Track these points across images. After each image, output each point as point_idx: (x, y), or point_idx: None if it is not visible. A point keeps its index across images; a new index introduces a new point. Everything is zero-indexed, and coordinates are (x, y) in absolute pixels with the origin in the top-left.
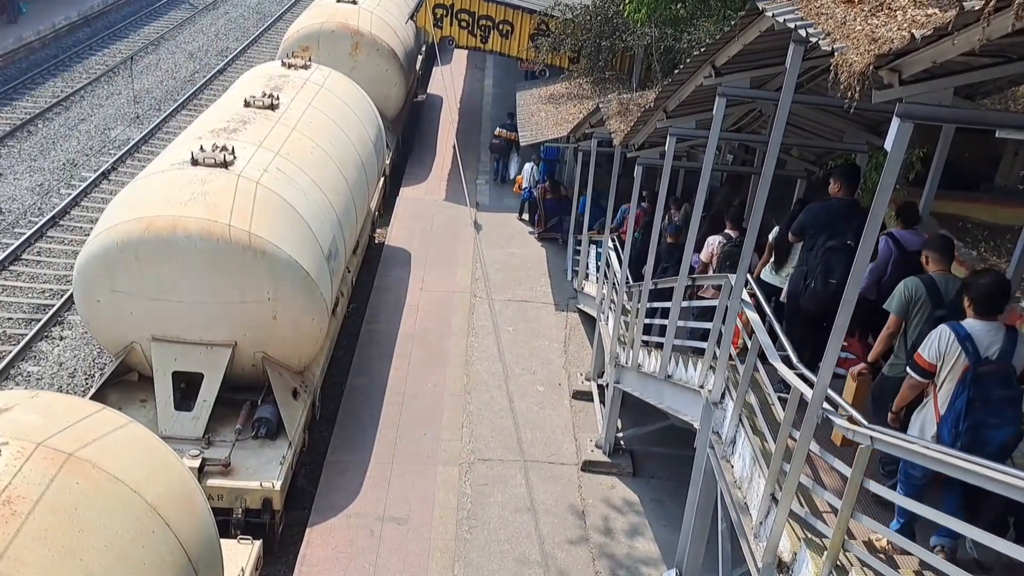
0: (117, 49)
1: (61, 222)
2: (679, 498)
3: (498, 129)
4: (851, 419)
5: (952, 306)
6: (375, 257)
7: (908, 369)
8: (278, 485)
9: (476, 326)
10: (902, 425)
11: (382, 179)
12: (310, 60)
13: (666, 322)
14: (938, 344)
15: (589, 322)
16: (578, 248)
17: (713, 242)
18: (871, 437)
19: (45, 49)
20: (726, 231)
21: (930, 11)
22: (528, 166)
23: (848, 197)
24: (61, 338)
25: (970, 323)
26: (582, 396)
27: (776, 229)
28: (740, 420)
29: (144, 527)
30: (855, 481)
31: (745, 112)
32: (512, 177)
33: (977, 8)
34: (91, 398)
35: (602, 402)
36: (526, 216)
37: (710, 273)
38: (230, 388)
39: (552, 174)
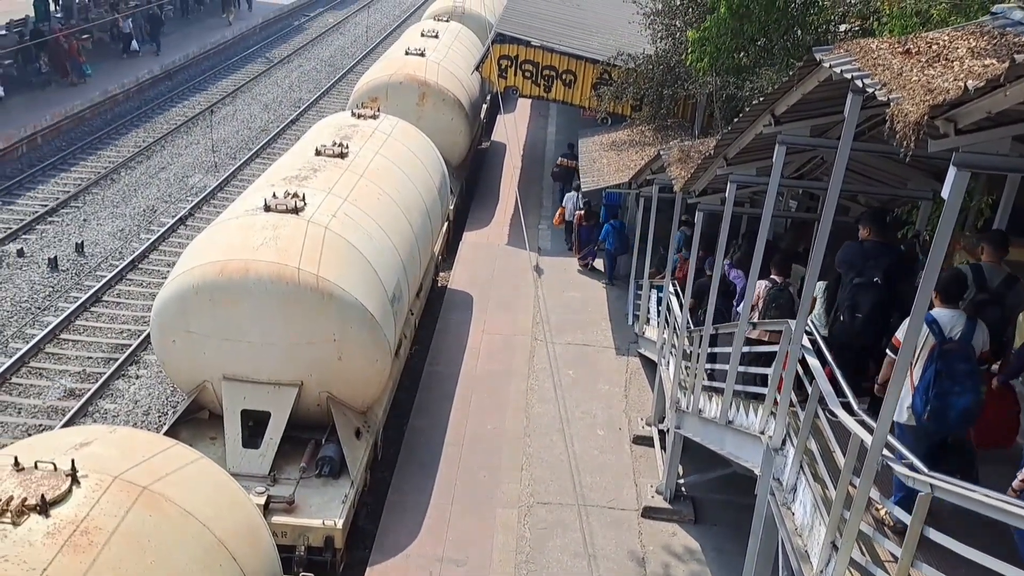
0: (196, 101)
1: (140, 265)
2: (741, 546)
3: (560, 159)
4: (912, 466)
5: (995, 293)
6: (438, 300)
7: (887, 350)
8: (340, 524)
9: (536, 369)
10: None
11: (446, 224)
12: (379, 110)
13: (725, 366)
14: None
15: (650, 366)
16: (639, 292)
17: (759, 286)
18: (931, 485)
19: (128, 101)
20: (772, 276)
21: (987, 62)
22: (569, 195)
23: (878, 239)
24: (137, 377)
25: (936, 311)
26: (642, 441)
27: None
28: (801, 466)
29: (212, 560)
30: (915, 529)
31: (807, 159)
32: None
33: None
34: (164, 434)
35: (663, 447)
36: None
37: (755, 317)
38: (295, 427)
39: (615, 215)
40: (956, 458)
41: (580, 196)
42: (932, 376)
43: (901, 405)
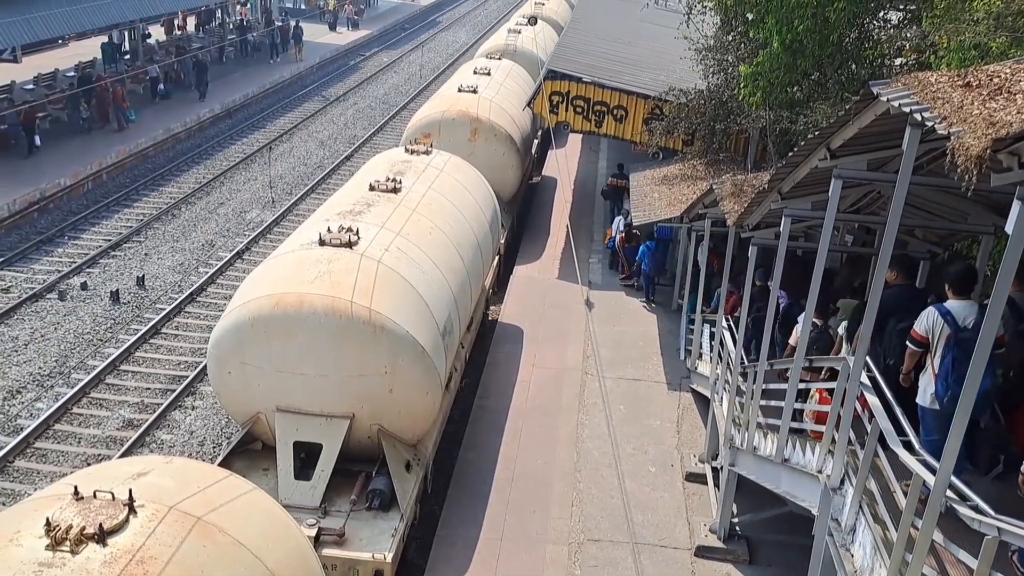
0: (255, 138)
1: (198, 298)
2: None
3: (610, 178)
4: (977, 508)
5: None
6: (488, 334)
7: (907, 342)
8: (390, 557)
9: (587, 404)
10: (913, 384)
11: (497, 258)
12: (431, 146)
13: (781, 403)
14: (927, 321)
15: (702, 402)
16: (691, 327)
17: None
18: (999, 528)
19: (191, 139)
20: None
21: None
22: (618, 219)
23: (907, 283)
24: (193, 408)
25: (950, 303)
26: (695, 478)
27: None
28: (860, 507)
29: None
30: (982, 573)
31: (864, 193)
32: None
33: None
34: (219, 465)
35: (716, 485)
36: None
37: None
38: (346, 459)
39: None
40: (991, 444)
41: (623, 219)
42: (951, 363)
43: (924, 392)
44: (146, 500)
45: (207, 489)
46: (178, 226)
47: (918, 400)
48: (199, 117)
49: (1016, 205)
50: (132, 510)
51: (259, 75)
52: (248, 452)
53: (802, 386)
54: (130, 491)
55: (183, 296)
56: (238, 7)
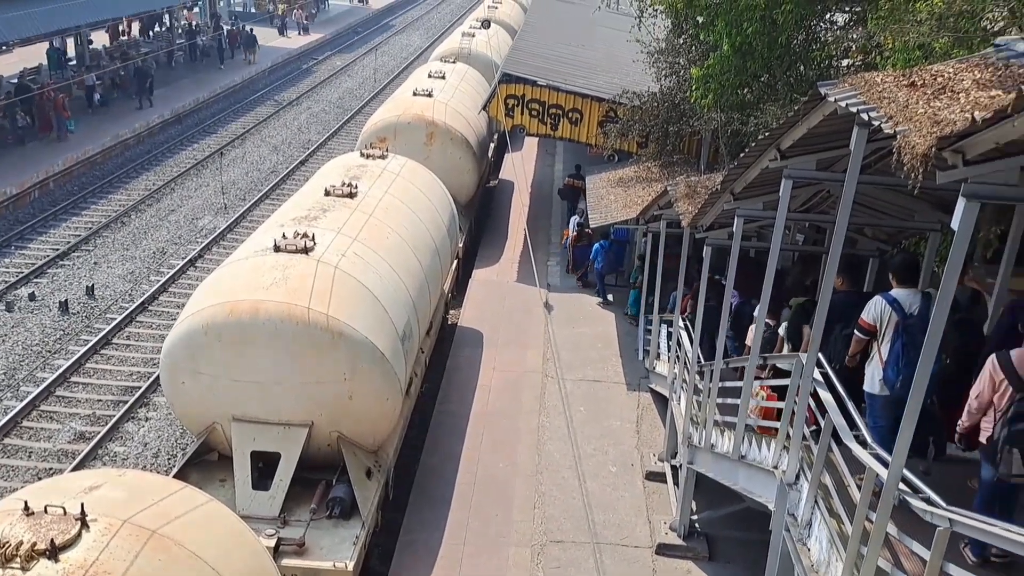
0: (206, 144)
1: (150, 308)
2: None
3: (567, 178)
4: (929, 500)
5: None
6: (448, 338)
7: (855, 330)
8: (351, 566)
9: (547, 406)
10: (856, 372)
11: (455, 262)
12: (387, 150)
13: (738, 401)
14: (875, 310)
15: (662, 402)
16: (649, 327)
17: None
18: (950, 519)
19: (140, 145)
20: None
21: (994, 93)
22: (573, 219)
23: (852, 289)
24: (146, 419)
25: (895, 291)
26: (655, 477)
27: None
28: (816, 502)
29: None
30: (934, 564)
31: (814, 192)
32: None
33: None
34: (174, 477)
35: (676, 483)
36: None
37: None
38: (306, 468)
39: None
40: (928, 425)
41: (578, 218)
42: (900, 349)
43: (872, 379)
44: (99, 514)
45: (162, 501)
46: (128, 234)
47: (865, 388)
48: (133, 130)
49: (961, 202)
50: (84, 524)
51: (209, 80)
52: (204, 463)
53: (756, 383)
54: (82, 505)
55: (134, 305)
56: (184, 11)
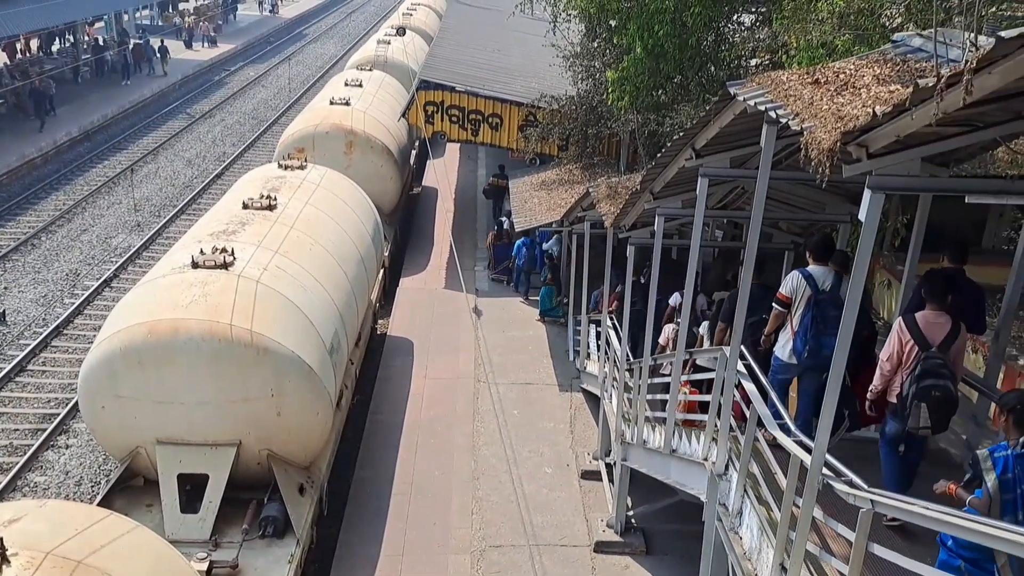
0: (117, 160)
1: (65, 331)
2: (693, 574)
3: (491, 178)
4: (851, 483)
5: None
6: (378, 348)
7: (773, 303)
8: None
9: (481, 411)
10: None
11: (381, 271)
12: (306, 161)
13: (666, 396)
14: (791, 283)
15: (594, 401)
16: (578, 328)
17: (667, 329)
18: (872, 500)
19: (48, 165)
20: (677, 320)
21: (892, 87)
22: (503, 219)
23: (756, 282)
24: (67, 446)
25: (811, 267)
26: (591, 476)
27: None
28: (745, 490)
29: None
30: (860, 546)
31: (730, 189)
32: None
33: (930, 85)
34: (98, 505)
35: (611, 481)
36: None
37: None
38: (236, 487)
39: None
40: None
41: (506, 219)
42: (809, 322)
43: (784, 347)
44: (20, 547)
45: (86, 531)
46: (39, 256)
47: (776, 352)
48: (39, 149)
49: (867, 194)
50: (5, 559)
51: (118, 95)
52: (129, 489)
53: (684, 378)
54: (1, 540)
55: (48, 330)
56: (86, 27)
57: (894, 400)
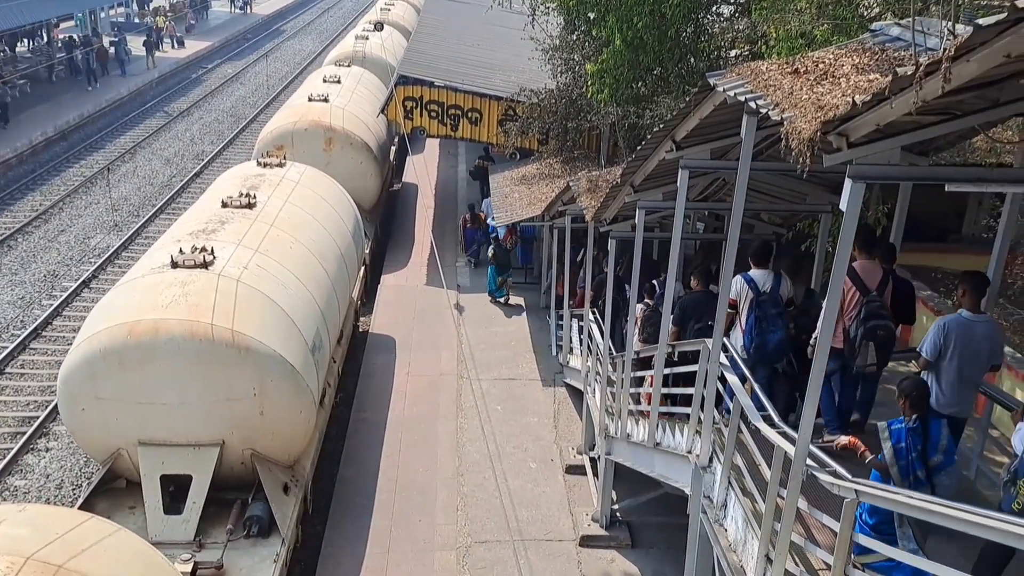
0: (94, 160)
1: (44, 333)
2: (679, 566)
3: (478, 159)
4: (835, 473)
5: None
6: (360, 346)
7: (728, 308)
8: None
9: (464, 407)
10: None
11: (362, 268)
12: (285, 158)
13: (651, 390)
14: (736, 288)
15: (577, 396)
16: (560, 323)
17: (637, 309)
18: (856, 490)
19: (23, 165)
20: (646, 300)
21: (872, 77)
22: (486, 201)
23: (706, 289)
24: (47, 449)
25: (752, 272)
26: (575, 470)
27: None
28: (729, 483)
29: None
30: (844, 536)
31: (711, 181)
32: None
33: (909, 74)
34: (79, 508)
35: (595, 475)
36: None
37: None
38: (219, 488)
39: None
40: (788, 387)
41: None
42: (754, 321)
43: (736, 344)
44: (0, 552)
45: (67, 535)
46: (16, 258)
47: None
48: (14, 150)
49: (848, 183)
50: None
51: (93, 94)
52: (112, 491)
53: (667, 371)
54: None
55: (26, 332)
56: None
57: (840, 346)
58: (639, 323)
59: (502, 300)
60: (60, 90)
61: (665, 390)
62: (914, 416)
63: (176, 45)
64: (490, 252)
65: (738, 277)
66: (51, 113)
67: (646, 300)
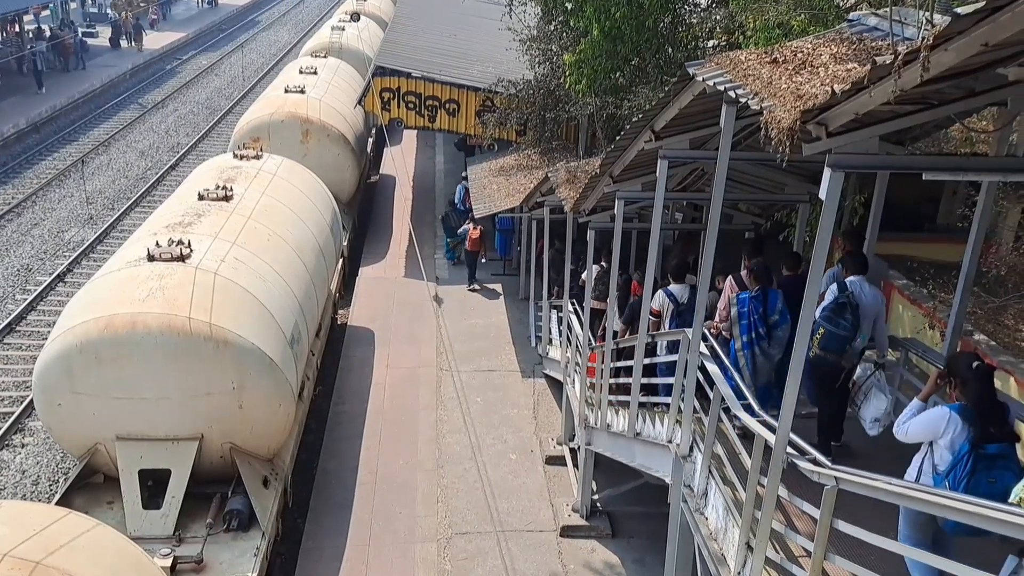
0: (67, 152)
1: (18, 328)
2: (659, 556)
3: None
4: (815, 461)
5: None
6: (339, 338)
7: (650, 314)
8: None
9: (444, 399)
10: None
11: (341, 261)
12: (261, 150)
13: (629, 380)
14: (658, 301)
15: (557, 387)
16: (539, 314)
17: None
18: (836, 478)
19: None
20: (602, 263)
21: (850, 66)
22: (460, 187)
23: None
24: (23, 445)
25: (672, 287)
26: (555, 461)
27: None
28: (710, 471)
29: None
30: (824, 523)
31: (690, 171)
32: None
33: (888, 63)
34: (56, 504)
35: (575, 465)
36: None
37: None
38: (199, 482)
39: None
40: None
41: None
42: (676, 327)
43: (661, 348)
44: None
45: (44, 531)
46: None
47: (658, 351)
48: None
49: (827, 172)
50: None
51: (68, 85)
52: (89, 486)
53: (647, 362)
54: None
55: (0, 327)
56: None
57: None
58: (593, 284)
59: (452, 262)
60: (30, 81)
61: (644, 379)
62: (756, 288)
63: (131, 42)
64: (449, 222)
65: (660, 292)
66: (27, 101)
67: (602, 263)
